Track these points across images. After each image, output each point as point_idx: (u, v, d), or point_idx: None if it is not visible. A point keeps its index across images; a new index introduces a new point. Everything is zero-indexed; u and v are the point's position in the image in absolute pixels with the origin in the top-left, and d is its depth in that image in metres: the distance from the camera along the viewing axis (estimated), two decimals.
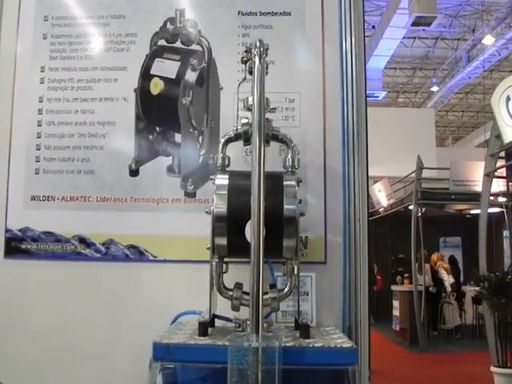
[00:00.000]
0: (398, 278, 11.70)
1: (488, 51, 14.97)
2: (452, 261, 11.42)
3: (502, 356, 5.94)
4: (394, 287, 11.26)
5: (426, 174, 10.35)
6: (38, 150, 2.32)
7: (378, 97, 17.18)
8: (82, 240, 2.27)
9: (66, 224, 2.28)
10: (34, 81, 2.36)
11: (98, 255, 2.26)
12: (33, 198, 2.29)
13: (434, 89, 18.98)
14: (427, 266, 10.39)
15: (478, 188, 7.67)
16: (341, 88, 2.22)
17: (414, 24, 13.57)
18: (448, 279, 10.56)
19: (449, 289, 10.47)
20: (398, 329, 10.52)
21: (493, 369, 6.04)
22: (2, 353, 1.68)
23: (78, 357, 2.20)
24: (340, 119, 2.22)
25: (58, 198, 2.29)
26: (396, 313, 10.67)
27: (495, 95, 6.96)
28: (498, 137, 6.81)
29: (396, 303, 10.71)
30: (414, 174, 10.17)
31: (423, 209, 10.17)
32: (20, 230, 2.27)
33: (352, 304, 2.12)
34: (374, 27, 15.31)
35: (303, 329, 1.72)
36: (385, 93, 18.09)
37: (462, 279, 11.55)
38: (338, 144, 2.22)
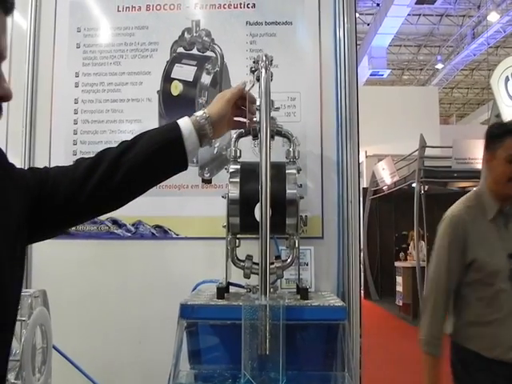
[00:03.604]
0: (402, 254, 11.57)
1: (493, 28, 14.74)
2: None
3: None
4: (397, 263, 11.11)
5: (429, 152, 10.08)
6: (75, 144, 2.51)
7: (382, 75, 16.89)
8: (115, 221, 2.46)
9: None
10: (70, 85, 2.53)
11: (129, 234, 2.46)
12: None
13: (439, 66, 18.47)
14: (422, 243, 10.02)
15: (480, 166, 7.33)
16: (335, 88, 2.40)
17: (417, 2, 13.47)
18: None
19: None
20: (401, 304, 10.42)
21: None
22: (53, 317, 1.97)
23: (114, 320, 2.41)
24: (334, 115, 2.39)
25: None
26: (399, 288, 10.57)
27: (495, 76, 6.94)
28: (498, 116, 6.87)
29: (399, 279, 10.60)
30: (416, 153, 9.94)
31: (426, 186, 9.88)
32: None
33: (345, 272, 2.30)
34: (378, 5, 15.05)
35: (303, 292, 1.94)
36: (389, 71, 17.75)
37: None
38: (332, 136, 2.39)
